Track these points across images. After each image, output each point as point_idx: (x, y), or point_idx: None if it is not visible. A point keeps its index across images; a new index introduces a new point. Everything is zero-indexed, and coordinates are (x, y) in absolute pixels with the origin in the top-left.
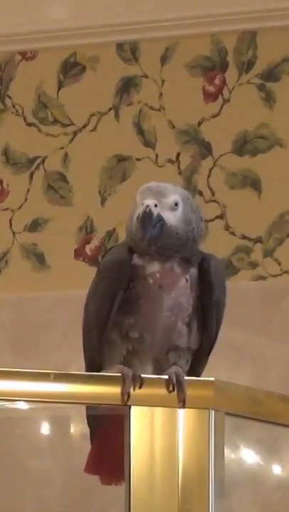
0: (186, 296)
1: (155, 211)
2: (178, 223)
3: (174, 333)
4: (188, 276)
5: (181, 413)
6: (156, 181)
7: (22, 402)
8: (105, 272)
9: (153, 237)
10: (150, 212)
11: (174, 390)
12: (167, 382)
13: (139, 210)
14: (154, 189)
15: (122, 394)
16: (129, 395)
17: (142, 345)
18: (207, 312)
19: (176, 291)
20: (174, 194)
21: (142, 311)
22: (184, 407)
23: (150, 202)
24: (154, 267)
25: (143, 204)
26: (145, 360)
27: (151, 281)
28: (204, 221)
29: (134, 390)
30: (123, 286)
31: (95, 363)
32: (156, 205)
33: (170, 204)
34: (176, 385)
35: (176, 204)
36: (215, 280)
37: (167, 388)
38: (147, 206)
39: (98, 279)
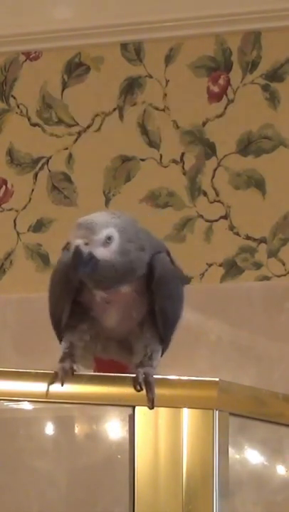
0: (135, 307)
1: (85, 250)
2: (114, 256)
3: (126, 333)
4: (135, 289)
5: (186, 413)
6: (99, 211)
7: (26, 402)
8: (54, 286)
9: (86, 274)
10: (80, 252)
11: (141, 389)
12: (134, 381)
13: (71, 250)
14: (83, 226)
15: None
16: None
17: (94, 344)
18: (154, 317)
19: (124, 306)
20: (107, 228)
21: (93, 321)
22: (152, 407)
23: (79, 241)
24: None
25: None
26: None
27: (98, 298)
28: (150, 246)
29: (61, 385)
30: (69, 301)
31: None
32: (86, 244)
33: (102, 240)
34: (144, 385)
35: (109, 238)
36: (157, 290)
37: (135, 387)
38: (77, 246)
39: (50, 289)
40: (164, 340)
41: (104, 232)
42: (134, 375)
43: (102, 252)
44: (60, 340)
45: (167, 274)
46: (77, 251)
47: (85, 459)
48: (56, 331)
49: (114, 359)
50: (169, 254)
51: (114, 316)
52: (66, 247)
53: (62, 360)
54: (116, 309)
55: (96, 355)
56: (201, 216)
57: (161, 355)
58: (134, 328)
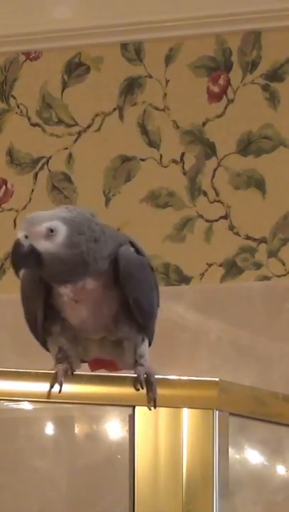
0: (105, 303)
1: (26, 243)
2: (59, 249)
3: (101, 330)
4: (102, 285)
5: (186, 413)
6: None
7: (26, 402)
8: (25, 288)
9: (29, 268)
10: (18, 245)
11: (142, 388)
12: (135, 380)
13: None
14: (26, 220)
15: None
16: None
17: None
18: (129, 310)
19: (93, 303)
20: (49, 221)
21: (64, 323)
22: (154, 407)
23: (19, 234)
24: (66, 288)
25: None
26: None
27: (66, 298)
28: (110, 238)
29: (60, 386)
30: (40, 302)
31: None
32: (26, 237)
33: (43, 232)
34: (144, 385)
35: (51, 231)
36: (126, 283)
37: (135, 387)
38: (16, 239)
39: (21, 292)
40: (147, 331)
41: (45, 224)
42: (134, 375)
43: (44, 245)
44: (42, 344)
45: (133, 266)
46: (16, 244)
47: (85, 459)
48: (34, 335)
49: (99, 357)
50: (133, 244)
51: (85, 315)
52: None
53: (59, 362)
54: (85, 307)
55: (80, 356)
56: (201, 216)
57: (149, 345)
58: (108, 324)
